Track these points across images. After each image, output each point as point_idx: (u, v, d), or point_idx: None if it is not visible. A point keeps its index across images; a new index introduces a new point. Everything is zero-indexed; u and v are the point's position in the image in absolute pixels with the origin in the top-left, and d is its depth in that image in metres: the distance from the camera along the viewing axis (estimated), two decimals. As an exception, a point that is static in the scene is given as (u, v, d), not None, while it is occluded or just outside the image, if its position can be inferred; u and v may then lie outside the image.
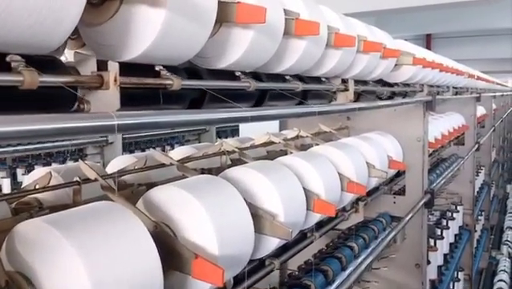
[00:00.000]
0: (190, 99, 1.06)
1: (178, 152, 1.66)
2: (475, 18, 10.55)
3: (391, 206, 2.30)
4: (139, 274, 0.69)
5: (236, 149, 1.49)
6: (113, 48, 0.77)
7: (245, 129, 4.04)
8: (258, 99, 1.31)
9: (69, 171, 1.15)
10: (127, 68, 0.78)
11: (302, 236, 1.28)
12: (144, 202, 0.92)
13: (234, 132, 6.46)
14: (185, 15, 0.79)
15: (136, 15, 0.75)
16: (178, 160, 1.37)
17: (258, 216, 1.06)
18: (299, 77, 1.58)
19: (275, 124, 2.82)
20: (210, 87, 1.01)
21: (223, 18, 0.94)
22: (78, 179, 0.99)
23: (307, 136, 2.08)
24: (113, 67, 0.71)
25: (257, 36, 1.02)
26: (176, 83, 0.82)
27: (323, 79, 1.72)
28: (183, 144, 3.12)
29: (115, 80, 0.70)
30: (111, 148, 4.68)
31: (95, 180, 0.97)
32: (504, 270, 5.29)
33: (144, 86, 0.79)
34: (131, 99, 0.77)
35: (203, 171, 1.43)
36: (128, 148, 5.36)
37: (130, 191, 1.13)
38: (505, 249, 5.99)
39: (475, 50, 13.18)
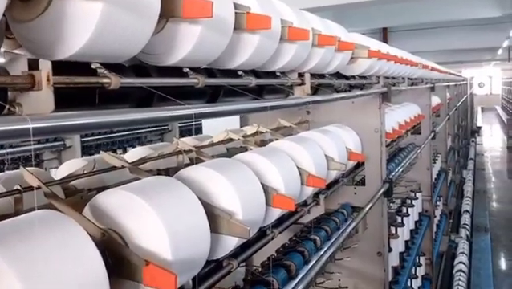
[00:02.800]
0: (138, 98, 1.02)
1: (133, 154, 1.60)
2: (429, 11, 10.93)
3: (352, 197, 2.34)
4: (80, 285, 0.65)
5: (193, 148, 1.45)
6: (46, 45, 0.72)
7: (207, 127, 4.00)
8: (212, 96, 1.29)
9: (11, 178, 1.08)
10: (63, 67, 0.73)
11: (262, 233, 1.26)
12: (91, 208, 0.87)
13: (198, 131, 6.39)
14: (125, 9, 0.75)
15: (70, 9, 0.70)
16: (133, 162, 1.32)
17: (214, 215, 1.03)
18: (255, 72, 1.57)
19: (236, 120, 2.80)
20: (155, 84, 0.97)
21: (168, 13, 0.90)
22: (19, 187, 0.92)
23: (267, 132, 2.07)
24: (45, 66, 0.66)
25: (205, 31, 0.99)
26: (114, 81, 0.77)
27: (279, 74, 1.71)
28: (145, 145, 3.03)
29: (48, 80, 0.65)
30: (69, 152, 4.52)
31: (38, 187, 0.91)
32: (463, 253, 5.52)
33: (79, 85, 0.74)
34: (67, 99, 0.72)
35: (159, 172, 1.39)
36: (88, 151, 5.18)
37: (79, 197, 1.07)
38: (463, 232, 6.25)
39: (430, 42, 13.68)
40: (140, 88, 0.98)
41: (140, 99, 1.01)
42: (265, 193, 1.23)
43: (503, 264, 6.16)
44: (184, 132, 6.65)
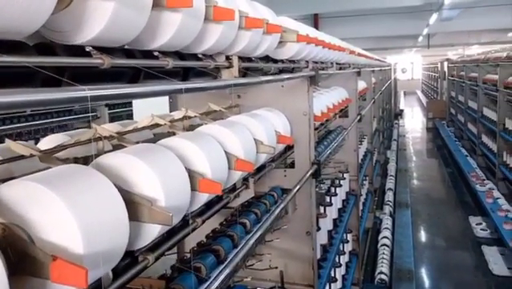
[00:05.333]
0: (43, 79, 0.93)
1: (49, 142, 1.48)
2: (357, -2, 11.32)
3: (282, 180, 2.37)
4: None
5: (114, 134, 1.37)
6: None
7: (139, 113, 3.84)
8: (132, 78, 1.22)
9: None
10: None
11: (185, 222, 1.23)
12: (-10, 202, 0.78)
13: (130, 117, 6.17)
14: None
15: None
16: (45, 150, 1.22)
17: (134, 203, 0.98)
18: (180, 54, 1.51)
19: (166, 105, 2.72)
20: (50, 64, 0.88)
21: (75, -15, 0.82)
22: None
23: (196, 116, 2.02)
24: None
25: (119, 8, 0.92)
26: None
27: (206, 57, 1.66)
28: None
29: None
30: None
31: None
32: (387, 228, 5.90)
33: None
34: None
35: (76, 160, 1.30)
36: (3, 141, 4.79)
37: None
38: (387, 208, 6.67)
39: (358, 29, 14.25)
40: (46, 68, 0.90)
41: (46, 81, 0.92)
42: (190, 178, 1.20)
43: (423, 237, 6.70)
44: (117, 119, 6.39)
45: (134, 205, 0.98)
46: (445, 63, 17.00)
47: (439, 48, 22.45)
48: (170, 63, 1.20)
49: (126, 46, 1.20)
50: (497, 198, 7.02)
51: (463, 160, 9.71)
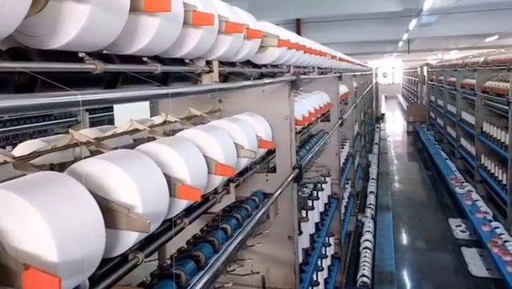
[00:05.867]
0: (20, 84, 0.91)
1: (24, 147, 1.45)
2: (339, 3, 11.48)
3: (264, 184, 2.38)
4: None
5: (91, 140, 1.36)
6: None
7: (120, 118, 3.80)
8: (109, 83, 1.20)
9: None
10: None
11: (165, 228, 1.22)
12: (-41, 211, 0.76)
13: (112, 122, 6.10)
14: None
15: None
16: (19, 157, 1.20)
17: (111, 210, 0.97)
18: (160, 59, 1.50)
19: (147, 110, 2.70)
20: (35, 70, 0.87)
21: (48, -11, 0.81)
22: None
23: (176, 121, 2.01)
24: None
25: (94, 12, 0.91)
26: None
27: (186, 61, 1.66)
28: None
29: None
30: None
31: None
32: (369, 231, 5.96)
33: None
34: None
35: (52, 167, 1.28)
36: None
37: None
38: (368, 211, 6.74)
39: (340, 34, 14.44)
40: (22, 74, 0.88)
41: (21, 86, 0.91)
42: (169, 184, 1.19)
43: (404, 239, 6.79)
44: (98, 124, 6.30)
45: (111, 212, 0.97)
46: (425, 68, 17.34)
47: (419, 53, 22.91)
48: (159, 68, 1.19)
49: (105, 51, 1.19)
50: (476, 200, 7.16)
51: (442, 163, 9.90)
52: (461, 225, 6.90)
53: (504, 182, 6.36)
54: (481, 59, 8.31)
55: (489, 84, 7.36)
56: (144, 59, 1.31)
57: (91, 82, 1.18)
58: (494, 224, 6.09)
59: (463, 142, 9.39)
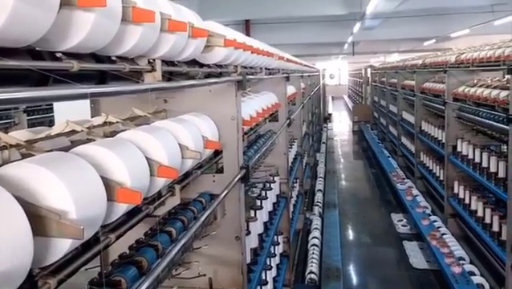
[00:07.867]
0: None
1: None
2: (285, 5, 11.66)
3: (211, 185, 2.35)
4: None
5: (21, 142, 1.27)
6: None
7: (59, 118, 3.61)
8: (39, 82, 1.13)
9: None
10: None
11: (96, 238, 1.15)
12: None
13: (52, 124, 5.78)
14: None
15: None
16: None
17: (40, 217, 0.90)
18: (98, 57, 1.43)
19: (87, 110, 2.58)
20: None
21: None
22: None
23: (117, 122, 1.93)
24: None
25: (18, 5, 0.85)
26: None
27: (127, 60, 1.60)
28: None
29: None
30: None
31: None
32: (316, 228, 6.10)
33: None
34: None
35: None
36: None
37: None
38: (316, 209, 6.89)
39: (288, 35, 14.68)
40: None
41: None
42: (107, 188, 1.14)
43: (350, 235, 7.02)
44: (37, 125, 5.94)
45: (40, 219, 0.91)
46: (369, 70, 18.05)
47: (363, 55, 23.82)
48: (75, 65, 1.13)
49: (37, 48, 1.12)
50: (416, 196, 7.55)
51: (385, 160, 10.34)
52: (402, 220, 7.24)
53: (441, 178, 6.74)
54: (420, 62, 8.79)
55: (427, 85, 7.79)
56: (58, 55, 1.21)
57: (19, 80, 1.10)
58: (433, 218, 6.45)
59: (404, 140, 9.87)
